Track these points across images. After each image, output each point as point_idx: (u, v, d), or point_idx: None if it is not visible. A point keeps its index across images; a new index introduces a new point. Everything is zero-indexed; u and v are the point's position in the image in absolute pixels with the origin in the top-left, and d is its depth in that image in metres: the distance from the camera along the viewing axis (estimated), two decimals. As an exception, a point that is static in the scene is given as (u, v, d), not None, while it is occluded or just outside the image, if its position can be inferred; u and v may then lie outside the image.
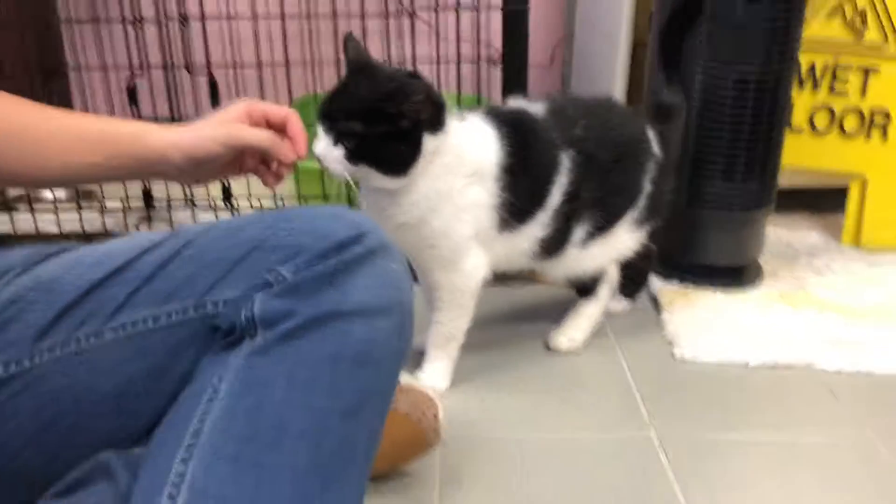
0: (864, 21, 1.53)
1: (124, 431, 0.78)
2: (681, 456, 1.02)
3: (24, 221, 1.49)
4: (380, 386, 0.74)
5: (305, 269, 0.72)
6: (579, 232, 1.15)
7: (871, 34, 1.54)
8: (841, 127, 1.58)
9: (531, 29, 1.44)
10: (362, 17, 1.45)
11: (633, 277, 1.33)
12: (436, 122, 0.99)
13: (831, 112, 1.58)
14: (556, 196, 1.09)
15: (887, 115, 1.56)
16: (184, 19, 1.42)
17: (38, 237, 1.48)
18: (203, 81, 1.46)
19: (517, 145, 1.06)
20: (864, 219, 1.61)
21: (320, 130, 1.00)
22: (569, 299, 1.33)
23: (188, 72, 1.40)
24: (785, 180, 1.47)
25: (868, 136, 1.58)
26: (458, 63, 1.51)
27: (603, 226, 1.17)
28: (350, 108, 0.98)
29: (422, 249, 1.07)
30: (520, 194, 1.07)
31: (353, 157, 0.98)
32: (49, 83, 1.57)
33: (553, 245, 1.13)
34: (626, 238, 1.23)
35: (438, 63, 1.47)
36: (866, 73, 1.55)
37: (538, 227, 1.11)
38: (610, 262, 1.26)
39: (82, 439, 0.78)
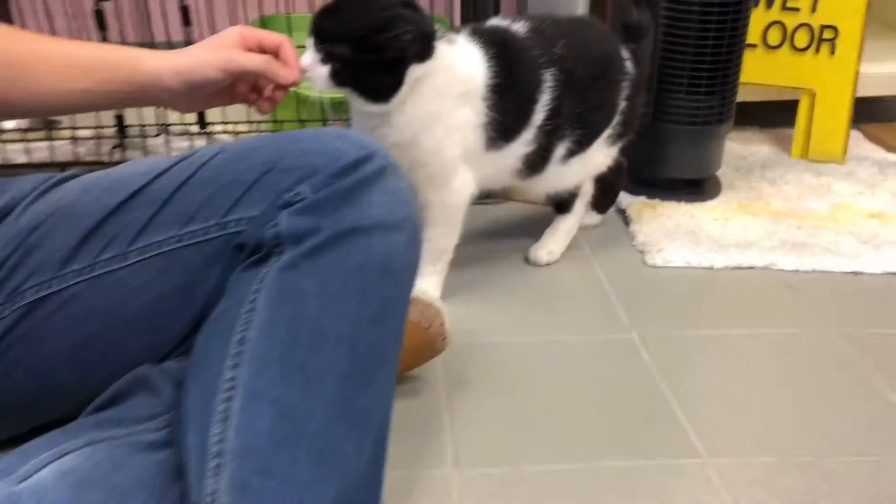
0: (815, -61, 1.59)
1: (155, 346, 0.82)
2: (659, 352, 1.10)
3: (-9, 152, 1.46)
4: (400, 294, 0.79)
5: (324, 188, 0.76)
6: (560, 149, 1.20)
7: (822, -48, 1.60)
8: (792, 42, 1.66)
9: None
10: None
11: (605, 192, 1.40)
12: (423, 53, 1.02)
13: (783, 28, 1.65)
14: (539, 114, 1.14)
15: (835, 31, 1.63)
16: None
17: (6, 167, 1.46)
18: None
19: (503, 65, 1.09)
20: (812, 132, 1.70)
21: (309, 44, 1.01)
22: (542, 216, 1.40)
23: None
24: (738, 95, 1.54)
25: (817, 51, 1.65)
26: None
27: (582, 142, 1.22)
28: (340, 32, 0.99)
29: (413, 169, 1.11)
30: (506, 113, 1.11)
31: (338, 78, 1.01)
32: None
33: (536, 162, 1.18)
34: (602, 154, 1.29)
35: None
36: (817, -11, 1.62)
37: (523, 144, 1.15)
38: (587, 178, 1.32)
39: (116, 355, 0.81)
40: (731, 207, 1.49)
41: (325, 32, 1.00)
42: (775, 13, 1.64)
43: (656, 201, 1.50)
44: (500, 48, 1.11)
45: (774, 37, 1.66)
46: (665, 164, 1.51)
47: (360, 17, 0.99)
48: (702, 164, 1.51)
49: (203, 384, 0.70)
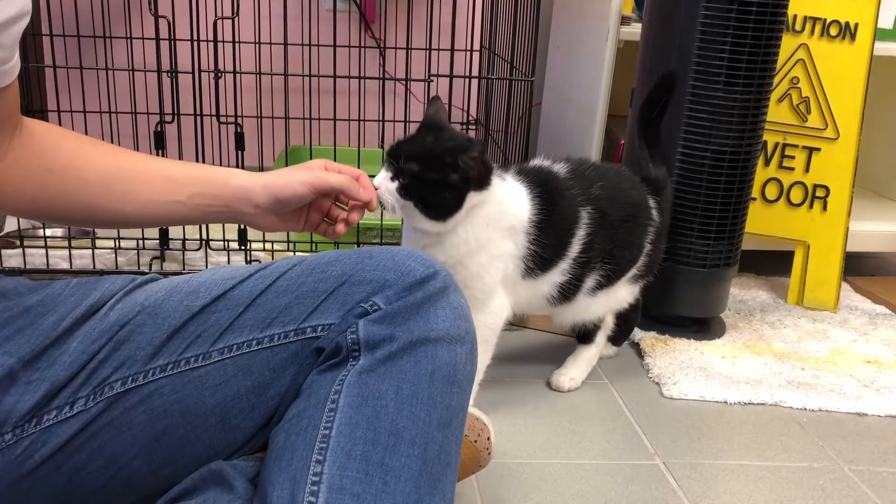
0: (807, 108, 1.77)
1: (226, 442, 0.86)
2: (686, 479, 1.15)
3: (35, 256, 1.52)
4: (462, 403, 0.84)
5: (397, 301, 0.83)
6: (590, 281, 1.29)
7: (814, 119, 1.77)
8: (788, 198, 1.80)
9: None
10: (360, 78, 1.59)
11: (622, 327, 1.48)
12: (482, 182, 1.13)
13: (780, 184, 1.79)
14: (575, 247, 1.24)
15: (827, 190, 1.78)
16: (175, 72, 1.52)
17: (49, 272, 1.51)
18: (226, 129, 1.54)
19: (546, 203, 1.20)
20: (806, 281, 1.82)
21: (383, 166, 1.12)
22: (559, 345, 1.46)
23: (217, 120, 1.48)
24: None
25: (811, 207, 1.79)
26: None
27: (610, 276, 1.31)
28: (412, 152, 1.10)
29: None
30: (545, 246, 1.20)
31: (405, 191, 1.11)
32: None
33: (568, 291, 1.27)
34: (626, 291, 1.38)
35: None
36: (810, 152, 1.78)
37: (558, 274, 1.24)
38: (611, 311, 1.40)
39: (189, 450, 0.85)
40: (737, 346, 1.57)
41: (399, 153, 1.11)
42: (773, 170, 1.79)
43: (667, 337, 1.58)
44: (543, 187, 1.21)
45: (772, 192, 1.80)
46: (675, 303, 1.60)
47: (432, 141, 1.10)
48: (710, 304, 1.60)
49: (289, 477, 0.73)
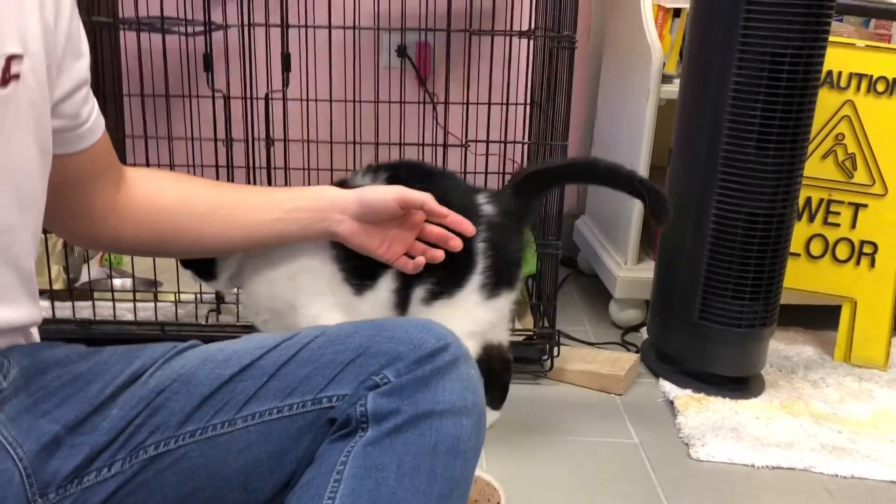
0: (853, 164, 1.76)
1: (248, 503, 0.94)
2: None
3: (104, 308, 1.65)
4: (465, 474, 0.90)
5: (406, 374, 0.89)
6: (419, 291, 1.24)
7: (860, 175, 1.76)
8: (834, 254, 1.78)
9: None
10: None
11: (493, 386, 1.36)
12: None
13: (825, 241, 1.78)
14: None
15: (875, 246, 1.76)
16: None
17: (115, 323, 1.63)
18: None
19: None
20: (853, 338, 1.79)
21: None
22: (593, 401, 1.49)
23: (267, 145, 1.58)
24: (783, 298, 1.65)
25: (857, 263, 1.78)
26: (486, 174, 1.69)
27: (443, 283, 1.24)
28: None
29: None
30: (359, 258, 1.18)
31: None
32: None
33: (399, 304, 1.24)
34: (481, 308, 1.27)
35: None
36: (856, 208, 1.77)
37: (386, 287, 1.23)
38: (466, 330, 1.17)
39: (213, 510, 0.93)
40: (773, 406, 1.57)
41: None
42: (817, 227, 1.79)
43: (701, 395, 1.59)
44: None
45: (817, 248, 1.79)
46: (710, 361, 1.61)
47: None
48: (745, 364, 1.61)
49: (295, 542, 0.80)
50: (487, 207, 1.26)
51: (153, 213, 1.02)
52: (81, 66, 0.89)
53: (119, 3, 1.85)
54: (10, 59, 0.77)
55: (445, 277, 1.24)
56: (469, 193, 1.28)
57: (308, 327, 1.03)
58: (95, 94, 0.92)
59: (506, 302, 1.30)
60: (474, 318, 1.28)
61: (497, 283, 1.27)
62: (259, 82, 1.59)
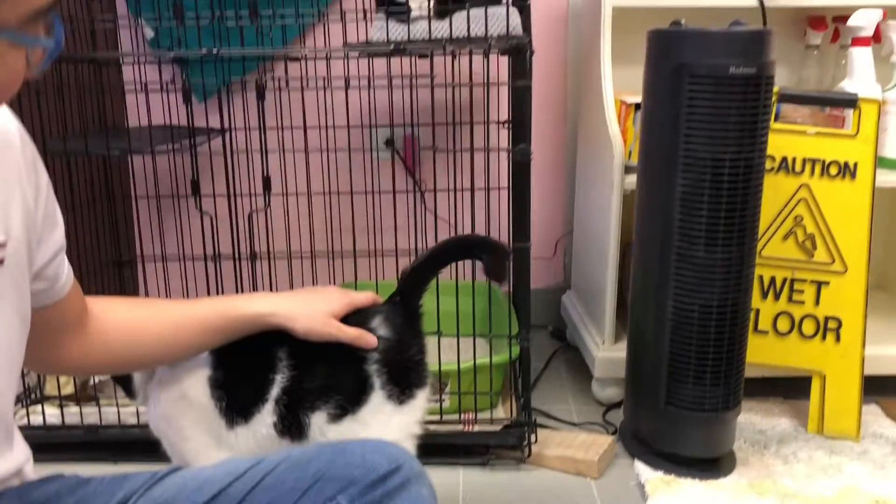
0: (813, 243, 1.84)
1: None
2: None
3: (109, 414, 1.77)
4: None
5: (359, 498, 0.99)
6: (317, 418, 1.22)
7: (820, 254, 1.84)
8: (800, 330, 1.86)
9: (537, 224, 1.75)
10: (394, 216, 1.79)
11: None
12: None
13: (791, 318, 1.86)
14: (273, 390, 1.22)
15: (839, 321, 1.83)
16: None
17: (121, 427, 1.76)
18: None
19: (226, 354, 1.23)
20: (825, 411, 1.86)
21: None
22: (572, 487, 1.57)
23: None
24: (757, 371, 1.73)
25: (823, 338, 1.85)
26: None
27: (342, 406, 1.23)
28: None
29: None
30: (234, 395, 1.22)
31: None
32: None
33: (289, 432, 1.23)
34: (392, 416, 1.24)
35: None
36: (819, 285, 1.84)
37: (263, 420, 1.23)
38: (392, 438, 1.18)
39: None
40: (740, 486, 1.64)
41: None
42: (783, 304, 1.86)
43: (672, 477, 1.66)
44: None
45: (783, 325, 1.86)
46: (680, 443, 1.69)
47: None
48: (712, 445, 1.68)
49: None
50: (381, 330, 1.25)
51: (103, 346, 1.14)
52: (58, 235, 1.02)
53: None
54: None
55: (344, 400, 1.22)
56: (367, 317, 1.26)
57: (276, 451, 1.14)
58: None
59: (423, 395, 1.27)
60: (394, 426, 1.24)
61: (404, 388, 1.24)
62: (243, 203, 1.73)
